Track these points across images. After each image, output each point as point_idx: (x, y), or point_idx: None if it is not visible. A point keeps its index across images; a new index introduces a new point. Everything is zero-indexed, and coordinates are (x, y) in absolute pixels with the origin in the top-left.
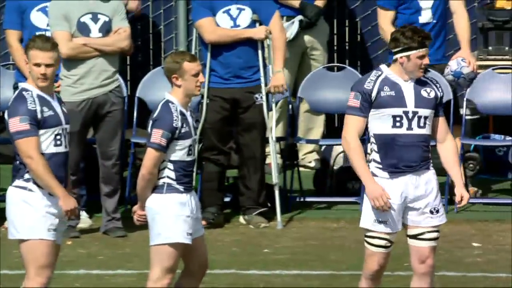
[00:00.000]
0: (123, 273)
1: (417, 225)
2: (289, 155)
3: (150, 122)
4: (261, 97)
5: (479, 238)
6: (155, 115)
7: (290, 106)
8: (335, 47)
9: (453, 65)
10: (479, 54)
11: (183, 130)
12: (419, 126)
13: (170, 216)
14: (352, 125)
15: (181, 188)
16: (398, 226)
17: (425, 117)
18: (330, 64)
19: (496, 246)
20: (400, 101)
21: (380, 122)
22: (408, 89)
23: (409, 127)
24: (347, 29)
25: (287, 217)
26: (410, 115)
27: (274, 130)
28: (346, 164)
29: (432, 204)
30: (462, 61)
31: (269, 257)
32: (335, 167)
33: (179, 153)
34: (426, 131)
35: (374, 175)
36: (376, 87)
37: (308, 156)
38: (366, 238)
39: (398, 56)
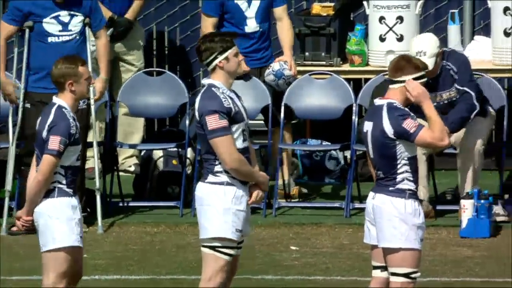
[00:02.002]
0: None
1: None
2: (109, 159)
3: (46, 128)
4: (84, 102)
5: (297, 241)
6: (50, 120)
7: (109, 110)
8: (154, 52)
9: (275, 65)
10: (296, 60)
11: (77, 136)
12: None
13: (64, 220)
14: (231, 144)
15: (70, 192)
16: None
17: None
18: (149, 69)
19: (313, 249)
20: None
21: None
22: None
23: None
24: (166, 33)
25: (107, 222)
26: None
27: (97, 135)
28: (166, 168)
29: None
30: (284, 63)
31: (89, 262)
32: (155, 172)
33: (71, 158)
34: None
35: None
36: (231, 102)
37: (128, 161)
38: (220, 249)
39: (216, 62)
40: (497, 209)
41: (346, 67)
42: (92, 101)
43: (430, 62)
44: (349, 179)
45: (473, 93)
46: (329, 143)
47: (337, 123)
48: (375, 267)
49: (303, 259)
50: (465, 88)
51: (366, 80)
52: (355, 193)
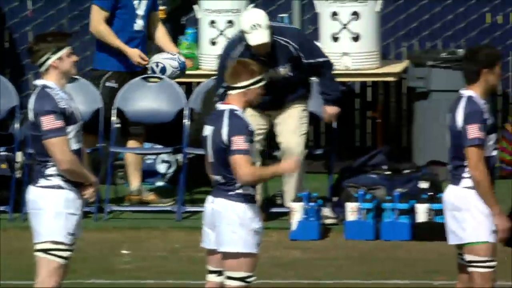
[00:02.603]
0: None
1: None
2: None
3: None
4: None
5: (129, 245)
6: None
7: None
8: None
9: (171, 61)
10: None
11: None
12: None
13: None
14: (66, 145)
15: None
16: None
17: None
18: None
19: (145, 253)
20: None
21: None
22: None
23: None
24: None
25: None
26: None
27: None
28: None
29: None
30: (173, 54)
31: None
32: None
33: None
34: None
35: None
36: (65, 103)
37: None
38: (53, 252)
39: (50, 62)
40: (326, 211)
41: None
42: None
43: (267, 34)
44: (181, 182)
45: (327, 58)
46: (161, 146)
47: (169, 127)
48: (211, 272)
49: (135, 263)
50: (320, 59)
51: (198, 83)
52: (186, 196)
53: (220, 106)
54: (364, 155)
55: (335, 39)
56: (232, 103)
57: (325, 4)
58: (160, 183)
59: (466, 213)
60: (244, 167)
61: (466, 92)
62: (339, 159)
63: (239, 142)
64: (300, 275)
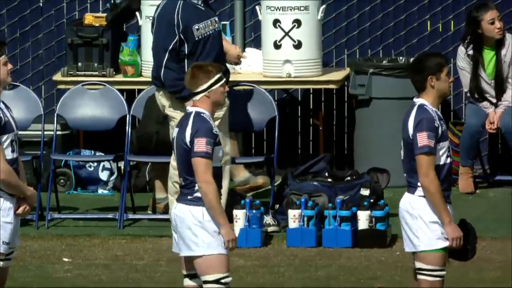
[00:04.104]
0: None
1: None
2: None
3: None
4: None
5: (70, 253)
6: None
7: None
8: None
9: None
10: (69, 70)
11: None
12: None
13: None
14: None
15: None
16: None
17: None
18: None
19: (86, 261)
20: None
21: None
22: None
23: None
24: None
25: None
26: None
27: None
28: None
29: None
30: None
31: None
32: None
33: None
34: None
35: None
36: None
37: None
38: None
39: None
40: (268, 219)
41: (119, 77)
42: None
43: None
44: (123, 190)
45: None
46: (103, 154)
47: (111, 134)
48: (185, 275)
49: (75, 270)
50: None
51: (140, 90)
52: (128, 204)
53: (188, 108)
54: (306, 162)
55: (277, 46)
56: (199, 106)
57: (267, 11)
58: (102, 191)
59: (419, 221)
60: (203, 172)
61: (418, 101)
62: (281, 166)
63: (201, 144)
64: (242, 282)
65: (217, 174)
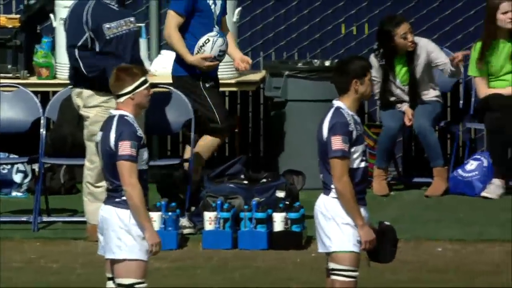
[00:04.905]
0: None
1: None
2: None
3: None
4: None
5: None
6: None
7: None
8: None
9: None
10: None
11: None
12: None
13: None
14: None
15: None
16: None
17: None
18: None
19: (1, 264)
20: None
21: None
22: None
23: None
24: None
25: None
26: None
27: None
28: None
29: None
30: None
31: None
32: None
33: None
34: None
35: None
36: None
37: None
38: None
39: None
40: (184, 221)
41: (33, 79)
42: None
43: None
44: (37, 192)
45: None
46: (17, 156)
47: (25, 136)
48: (109, 278)
49: None
50: None
51: (54, 92)
52: (43, 206)
53: (112, 111)
54: (222, 165)
55: None
56: (122, 109)
57: None
58: (16, 193)
59: (332, 222)
60: (128, 175)
61: (336, 103)
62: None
63: (125, 147)
64: (158, 284)
65: (142, 176)
